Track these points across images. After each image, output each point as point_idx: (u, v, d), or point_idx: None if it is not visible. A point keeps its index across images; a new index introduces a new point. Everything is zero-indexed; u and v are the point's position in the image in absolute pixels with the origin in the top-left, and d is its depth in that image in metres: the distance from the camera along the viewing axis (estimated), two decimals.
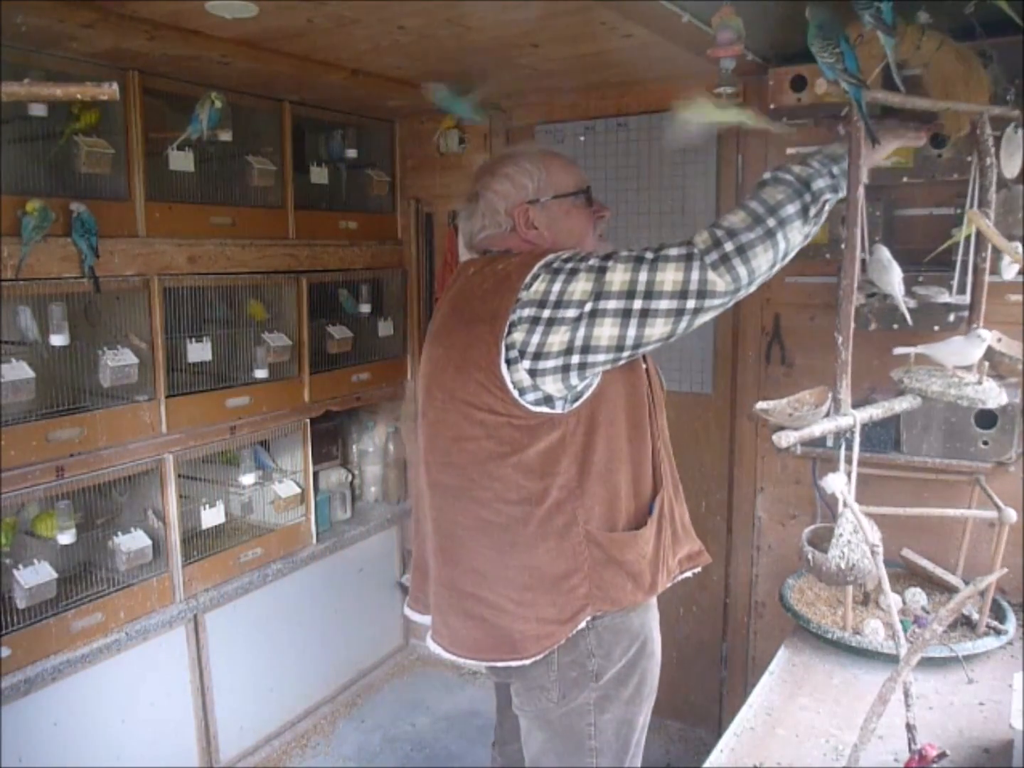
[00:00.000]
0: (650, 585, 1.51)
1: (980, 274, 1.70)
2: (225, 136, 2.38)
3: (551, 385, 1.38)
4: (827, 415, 1.48)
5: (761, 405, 1.49)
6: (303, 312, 2.63)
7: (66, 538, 2.07)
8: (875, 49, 1.44)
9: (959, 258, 1.82)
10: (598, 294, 1.32)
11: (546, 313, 1.35)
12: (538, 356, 1.36)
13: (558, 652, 1.47)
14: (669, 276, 1.30)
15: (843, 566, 1.42)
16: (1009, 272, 1.79)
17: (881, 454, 2.11)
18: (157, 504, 2.28)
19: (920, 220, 2.14)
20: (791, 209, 1.31)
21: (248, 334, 2.54)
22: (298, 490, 2.68)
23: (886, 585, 1.39)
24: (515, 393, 1.39)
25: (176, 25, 1.82)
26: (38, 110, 1.99)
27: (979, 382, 1.64)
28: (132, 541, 2.18)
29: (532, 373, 1.38)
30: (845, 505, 1.45)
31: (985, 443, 2.00)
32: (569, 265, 1.37)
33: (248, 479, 2.57)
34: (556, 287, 1.35)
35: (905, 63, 1.61)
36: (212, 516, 2.42)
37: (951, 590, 1.97)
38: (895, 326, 2.00)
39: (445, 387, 1.49)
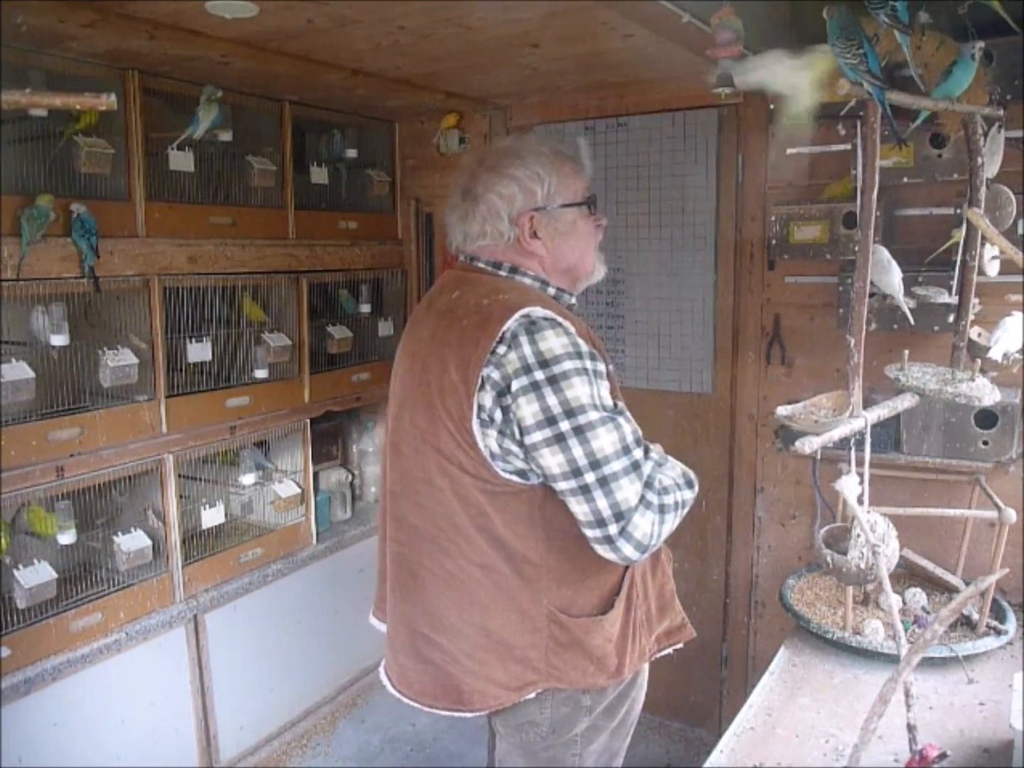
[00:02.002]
0: (615, 669, 1.42)
1: (968, 272, 1.70)
2: (225, 136, 2.38)
3: (520, 462, 1.32)
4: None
5: (782, 411, 1.47)
6: (303, 312, 2.63)
7: (66, 538, 2.06)
8: (880, 49, 1.43)
9: (959, 258, 1.82)
10: (560, 458, 1.27)
11: (508, 401, 1.28)
12: (503, 434, 1.30)
13: (551, 689, 1.41)
14: (599, 506, 1.27)
15: (863, 566, 1.43)
16: (992, 268, 1.80)
17: (881, 454, 2.11)
18: (157, 504, 2.28)
19: (920, 220, 2.14)
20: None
21: (248, 334, 2.53)
22: (298, 490, 2.68)
23: (887, 585, 1.39)
24: (486, 454, 1.32)
25: (176, 25, 1.82)
26: (38, 111, 1.98)
27: (972, 379, 1.65)
28: (132, 541, 2.17)
29: (500, 445, 1.31)
30: (860, 506, 1.46)
31: (985, 443, 2.00)
32: (554, 369, 1.25)
33: (248, 479, 2.56)
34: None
35: (906, 63, 1.61)
36: (212, 516, 2.41)
37: (951, 590, 1.97)
38: (895, 326, 2.01)
39: (417, 425, 1.40)
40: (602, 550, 1.30)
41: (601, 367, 1.32)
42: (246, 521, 2.67)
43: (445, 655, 1.41)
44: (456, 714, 1.43)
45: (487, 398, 1.29)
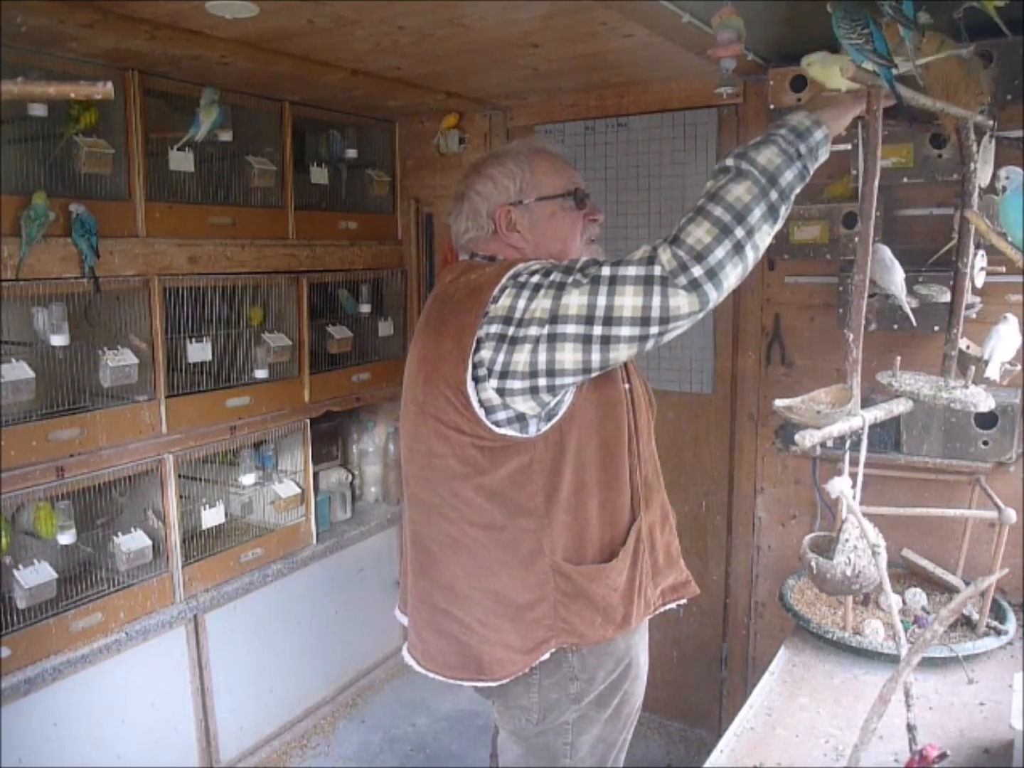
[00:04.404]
0: (622, 619, 1.46)
1: (960, 279, 1.69)
2: (225, 136, 2.38)
3: (522, 404, 1.34)
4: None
5: (780, 403, 1.44)
6: (303, 312, 2.63)
7: (66, 538, 2.07)
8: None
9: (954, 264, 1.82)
10: (555, 316, 1.26)
11: (511, 331, 1.30)
12: (504, 375, 1.31)
13: (540, 674, 1.45)
14: (628, 301, 1.22)
15: (849, 573, 1.39)
16: (979, 279, 1.81)
17: (881, 454, 2.11)
18: (157, 504, 2.28)
19: (920, 220, 2.14)
20: (758, 213, 1.21)
21: (248, 334, 2.54)
22: (298, 490, 2.68)
23: (887, 585, 1.39)
24: (480, 413, 1.35)
25: (176, 25, 1.82)
26: (38, 110, 1.98)
27: (965, 386, 1.64)
28: (132, 541, 2.18)
29: (500, 392, 1.33)
30: (849, 509, 1.44)
31: (985, 443, 2.00)
32: (535, 279, 1.32)
33: (248, 479, 2.56)
34: (521, 303, 1.30)
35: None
36: (212, 516, 2.41)
37: (951, 590, 1.97)
38: (895, 326, 2.01)
39: (417, 400, 1.46)
40: (679, 298, 1.21)
41: None
42: (246, 521, 2.67)
43: (462, 627, 1.45)
44: (480, 684, 1.46)
45: (486, 354, 1.32)
